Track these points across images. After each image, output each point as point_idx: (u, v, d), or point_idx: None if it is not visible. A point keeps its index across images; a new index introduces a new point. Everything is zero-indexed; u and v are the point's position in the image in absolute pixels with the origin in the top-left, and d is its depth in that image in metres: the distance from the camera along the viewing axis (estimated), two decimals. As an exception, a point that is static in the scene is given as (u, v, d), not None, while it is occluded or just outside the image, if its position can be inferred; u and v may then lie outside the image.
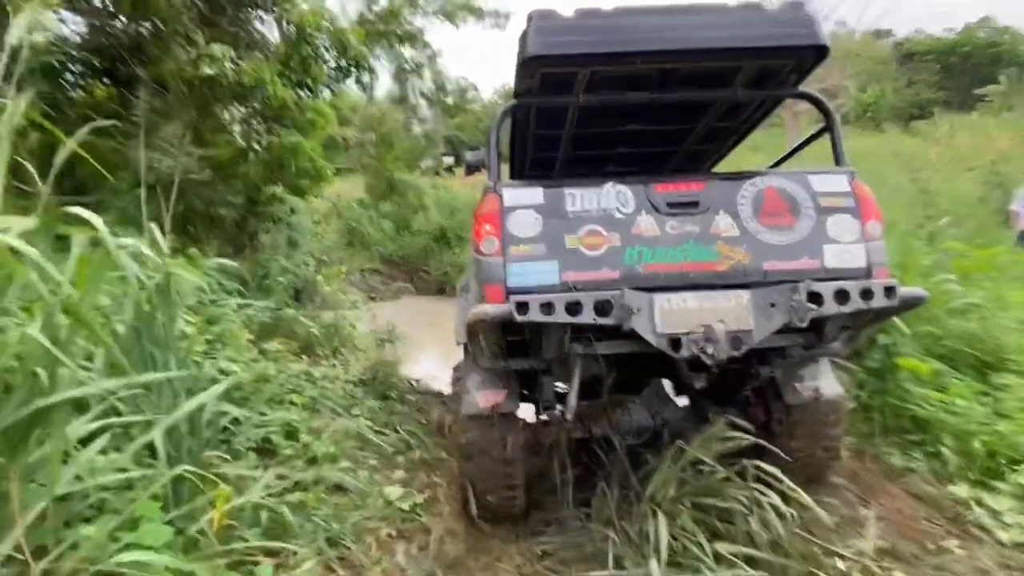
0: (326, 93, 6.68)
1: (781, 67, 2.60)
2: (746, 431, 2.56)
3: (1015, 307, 4.12)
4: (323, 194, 8.12)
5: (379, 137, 9.66)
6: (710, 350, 2.10)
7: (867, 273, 2.34)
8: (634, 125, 3.20)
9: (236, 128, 6.14)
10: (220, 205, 5.58)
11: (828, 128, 2.67)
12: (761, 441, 2.57)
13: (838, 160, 2.60)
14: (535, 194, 2.32)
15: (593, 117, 2.99)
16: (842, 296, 2.16)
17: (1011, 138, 22.90)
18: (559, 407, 2.91)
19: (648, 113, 3.09)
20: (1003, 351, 3.66)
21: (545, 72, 2.44)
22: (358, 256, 15.95)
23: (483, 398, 2.63)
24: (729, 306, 2.19)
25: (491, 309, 2.13)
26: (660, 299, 2.18)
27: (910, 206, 6.97)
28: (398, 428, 4.07)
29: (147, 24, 4.96)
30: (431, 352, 9.73)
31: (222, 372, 3.02)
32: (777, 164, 3.35)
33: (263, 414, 3.06)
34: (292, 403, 3.56)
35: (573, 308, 2.09)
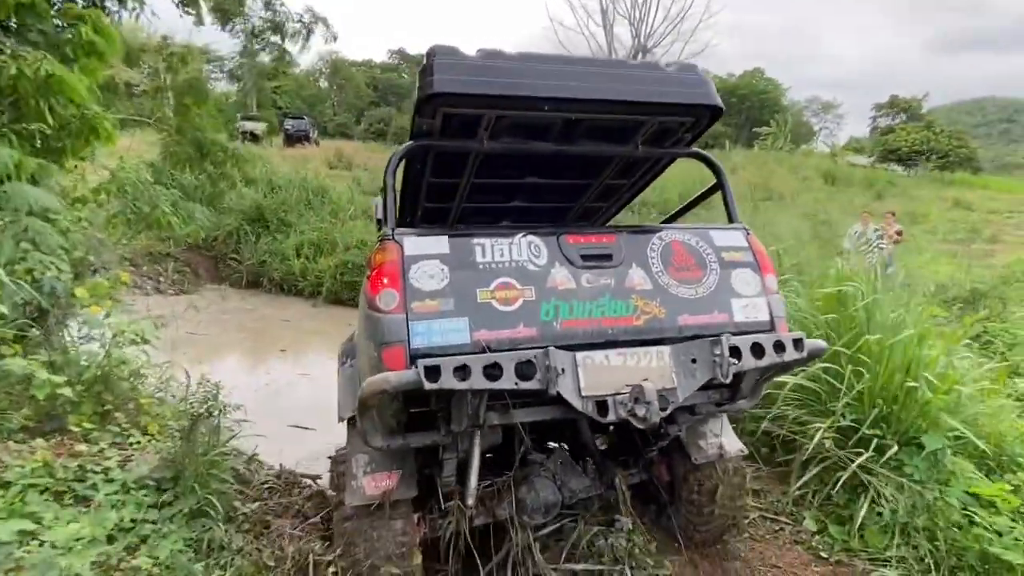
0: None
1: (678, 125, 2.57)
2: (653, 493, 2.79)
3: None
4: (97, 157, 5.57)
5: (184, 83, 7.15)
6: (641, 412, 2.00)
7: (771, 326, 2.38)
8: (534, 178, 2.99)
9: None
10: None
11: (719, 186, 2.72)
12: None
13: (731, 216, 2.65)
14: (440, 243, 2.14)
15: (493, 167, 2.73)
16: (758, 350, 2.17)
17: (788, 171, 26.82)
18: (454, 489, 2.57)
19: (549, 166, 2.92)
20: (1002, 439, 3.23)
21: (448, 113, 2.24)
22: (144, 240, 12.60)
23: (372, 483, 2.34)
24: (651, 364, 2.12)
25: (393, 378, 1.85)
26: (582, 358, 2.06)
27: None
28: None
29: None
30: (264, 371, 7.62)
31: None
32: (671, 219, 3.37)
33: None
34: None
35: (492, 372, 1.89)
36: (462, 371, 1.85)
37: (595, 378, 2.03)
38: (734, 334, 2.20)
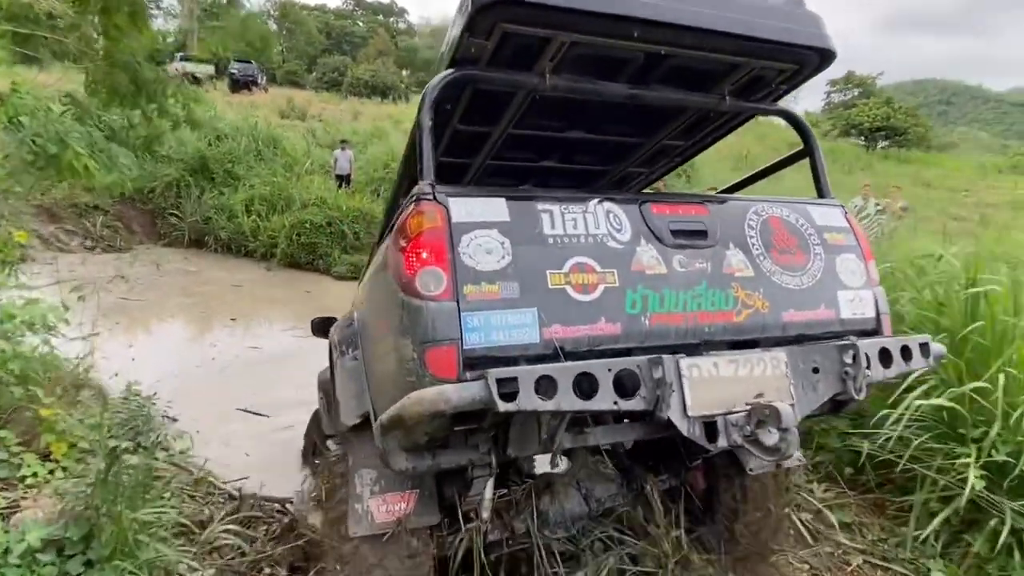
0: None
1: (777, 73, 2.07)
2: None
3: None
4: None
5: (113, 4, 5.74)
6: (770, 441, 1.50)
7: (877, 323, 2.00)
8: (579, 131, 2.47)
9: None
10: None
11: (808, 153, 2.23)
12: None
13: (822, 191, 2.20)
14: (496, 207, 1.61)
15: (537, 113, 2.20)
16: (887, 357, 1.78)
17: (755, 140, 26.55)
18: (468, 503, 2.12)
19: (603, 116, 2.38)
20: None
21: (508, 31, 1.65)
22: (67, 189, 10.97)
23: (382, 507, 1.85)
24: (766, 374, 1.64)
25: (455, 396, 1.33)
26: (688, 367, 1.55)
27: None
28: None
29: None
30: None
31: None
32: (741, 186, 2.74)
33: None
34: None
35: (588, 387, 1.40)
36: (546, 386, 1.37)
37: (704, 393, 1.57)
38: (840, 333, 1.89)
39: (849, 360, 1.71)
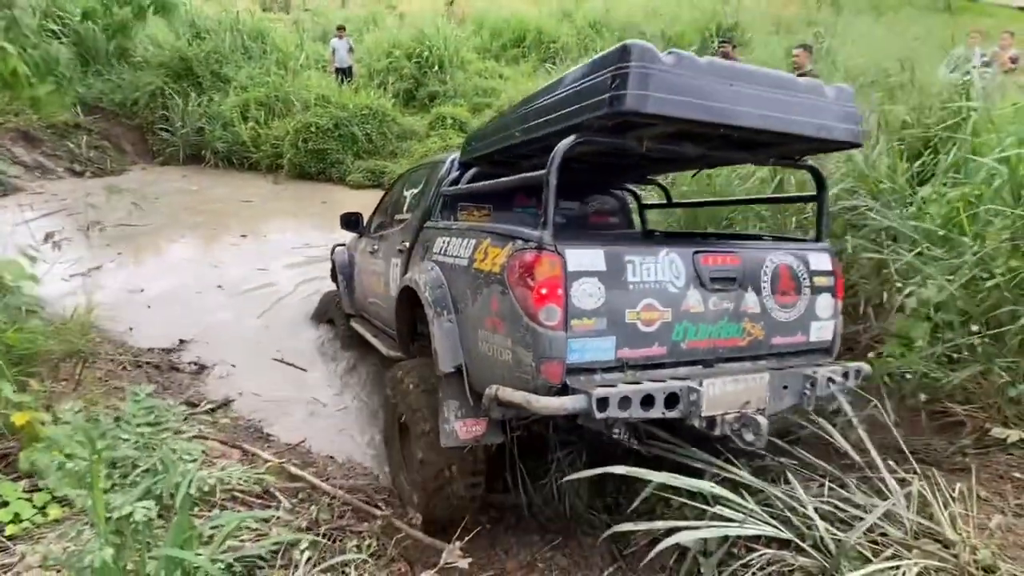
0: None
1: (814, 149, 2.71)
2: None
3: None
4: None
5: None
6: (749, 437, 2.19)
7: (832, 344, 2.66)
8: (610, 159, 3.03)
9: None
10: None
11: (818, 198, 2.75)
12: None
13: (820, 233, 2.75)
14: (597, 258, 2.16)
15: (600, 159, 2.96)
16: (832, 382, 2.37)
17: None
18: None
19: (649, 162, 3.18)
20: None
21: (631, 121, 2.09)
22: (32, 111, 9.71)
23: (464, 428, 2.46)
24: (753, 386, 2.25)
25: (570, 404, 1.98)
26: (707, 386, 2.15)
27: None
28: None
29: None
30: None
31: None
32: (750, 201, 3.90)
33: None
34: None
35: (647, 402, 2.04)
36: (625, 402, 1.97)
37: (714, 402, 2.16)
38: (806, 351, 2.58)
39: (809, 385, 2.33)
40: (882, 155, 3.82)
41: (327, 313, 5.30)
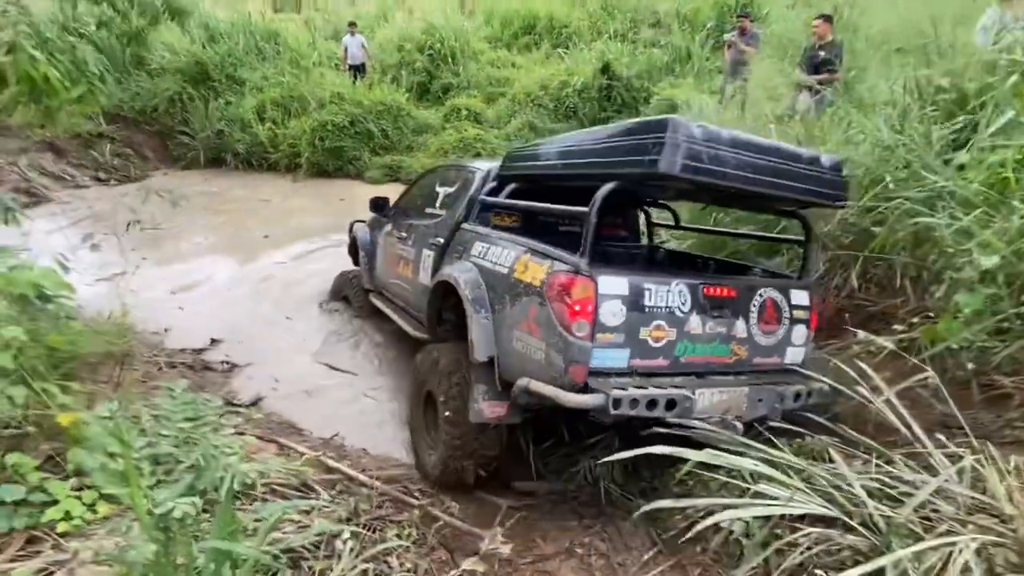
0: None
1: (808, 205, 3.05)
2: None
3: None
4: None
5: None
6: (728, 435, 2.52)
7: (801, 366, 3.04)
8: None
9: None
10: None
11: (806, 243, 3.21)
12: None
13: (804, 272, 3.19)
14: (622, 285, 2.58)
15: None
16: (799, 398, 2.78)
17: None
18: None
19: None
20: None
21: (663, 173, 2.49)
22: (65, 118, 9.91)
23: (490, 408, 2.85)
24: (735, 398, 2.65)
25: (591, 401, 2.38)
26: (699, 394, 2.56)
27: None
28: None
29: None
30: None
31: None
32: (741, 236, 4.28)
33: None
34: None
35: (651, 404, 2.42)
36: (634, 402, 2.39)
37: (703, 408, 2.57)
38: (780, 371, 3.01)
39: (779, 400, 2.74)
40: (914, 123, 3.70)
41: (341, 291, 5.54)
